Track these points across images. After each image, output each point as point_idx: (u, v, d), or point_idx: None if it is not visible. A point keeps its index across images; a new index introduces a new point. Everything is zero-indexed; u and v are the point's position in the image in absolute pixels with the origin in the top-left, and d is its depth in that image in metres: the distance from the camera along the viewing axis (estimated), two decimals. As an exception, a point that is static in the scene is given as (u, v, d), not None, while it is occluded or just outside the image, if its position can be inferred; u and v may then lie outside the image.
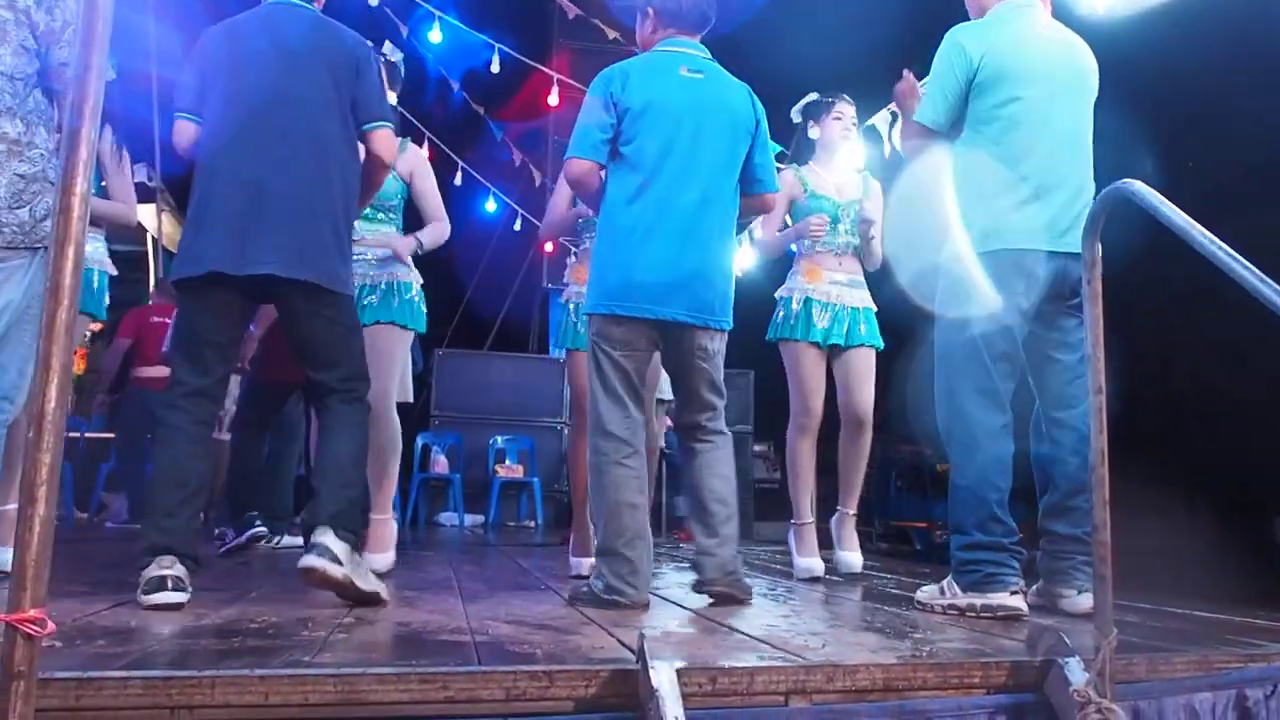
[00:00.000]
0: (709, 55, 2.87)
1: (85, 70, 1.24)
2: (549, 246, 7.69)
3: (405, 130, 3.71)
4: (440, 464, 7.71)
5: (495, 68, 7.40)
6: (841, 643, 2.06)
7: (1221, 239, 1.58)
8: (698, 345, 2.72)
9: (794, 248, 3.76)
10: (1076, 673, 1.74)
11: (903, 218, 3.81)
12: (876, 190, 3.88)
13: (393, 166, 2.72)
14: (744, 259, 6.18)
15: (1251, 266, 1.53)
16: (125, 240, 6.64)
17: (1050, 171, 2.71)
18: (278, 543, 4.39)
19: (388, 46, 3.59)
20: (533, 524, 7.81)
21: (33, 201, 2.52)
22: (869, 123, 4.91)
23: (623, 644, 1.93)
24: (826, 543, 3.80)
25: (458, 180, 9.08)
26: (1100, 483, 1.80)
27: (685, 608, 2.63)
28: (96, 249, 3.61)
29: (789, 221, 3.79)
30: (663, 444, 3.28)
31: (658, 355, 2.81)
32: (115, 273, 3.77)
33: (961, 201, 2.77)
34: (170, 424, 2.45)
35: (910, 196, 3.40)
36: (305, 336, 2.59)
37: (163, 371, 2.62)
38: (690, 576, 2.83)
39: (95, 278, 3.62)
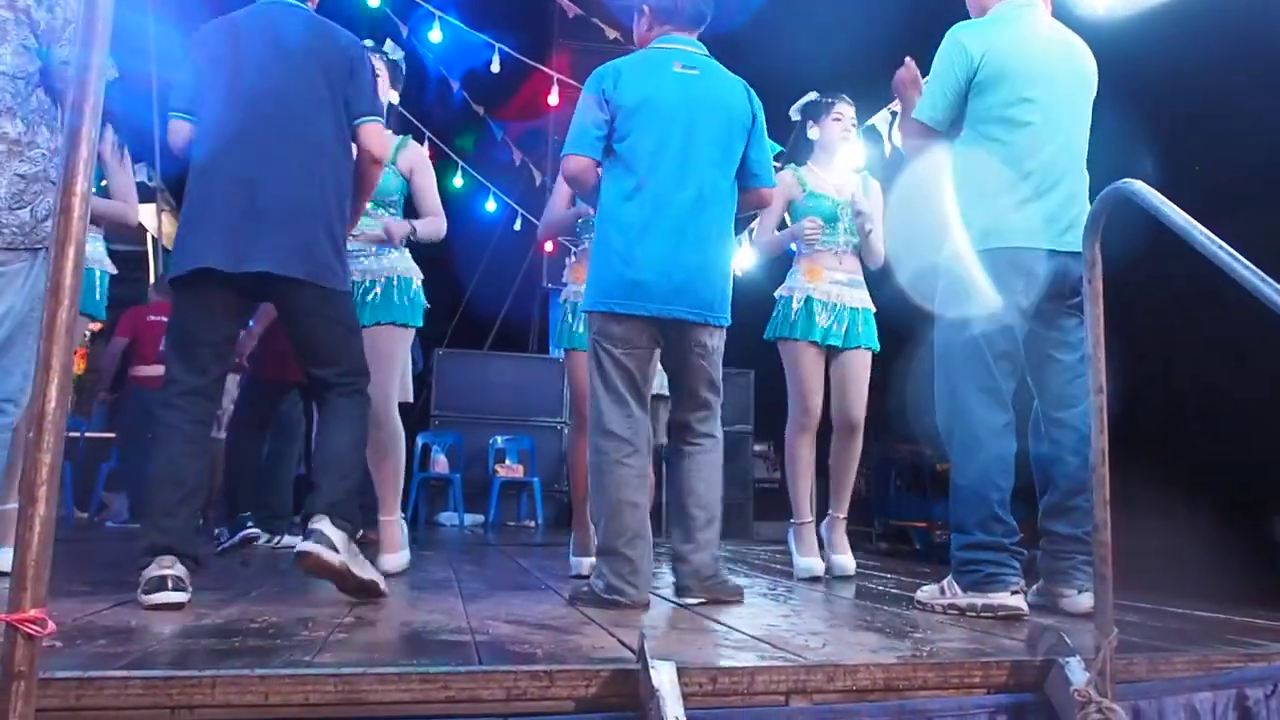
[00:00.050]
0: (706, 52, 2.87)
1: (85, 69, 1.24)
2: (549, 246, 7.68)
3: (405, 129, 3.70)
4: (440, 464, 7.70)
5: (495, 67, 7.40)
6: (842, 642, 2.06)
7: (1222, 239, 1.58)
8: (696, 342, 2.72)
9: (793, 246, 3.76)
10: (1077, 672, 1.74)
11: (903, 217, 3.81)
12: (876, 189, 3.87)
13: (384, 161, 2.71)
14: (744, 258, 6.18)
15: (1252, 266, 1.53)
16: (125, 240, 6.65)
17: (1051, 171, 2.71)
18: (278, 542, 4.40)
19: (389, 45, 3.58)
20: (533, 524, 7.81)
21: (34, 202, 2.51)
22: (869, 122, 4.90)
23: (623, 644, 1.93)
24: (820, 544, 3.80)
25: (458, 180, 9.08)
26: (1101, 482, 1.80)
27: (686, 607, 2.63)
28: (96, 248, 3.61)
29: (788, 221, 3.79)
30: (661, 441, 3.28)
31: (657, 353, 2.81)
32: (115, 272, 3.77)
33: (961, 200, 2.77)
34: (167, 423, 2.45)
35: (910, 196, 3.40)
36: (304, 334, 2.60)
37: (161, 370, 2.62)
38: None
39: (96, 277, 3.62)
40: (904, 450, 8.76)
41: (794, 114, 3.93)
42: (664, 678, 1.53)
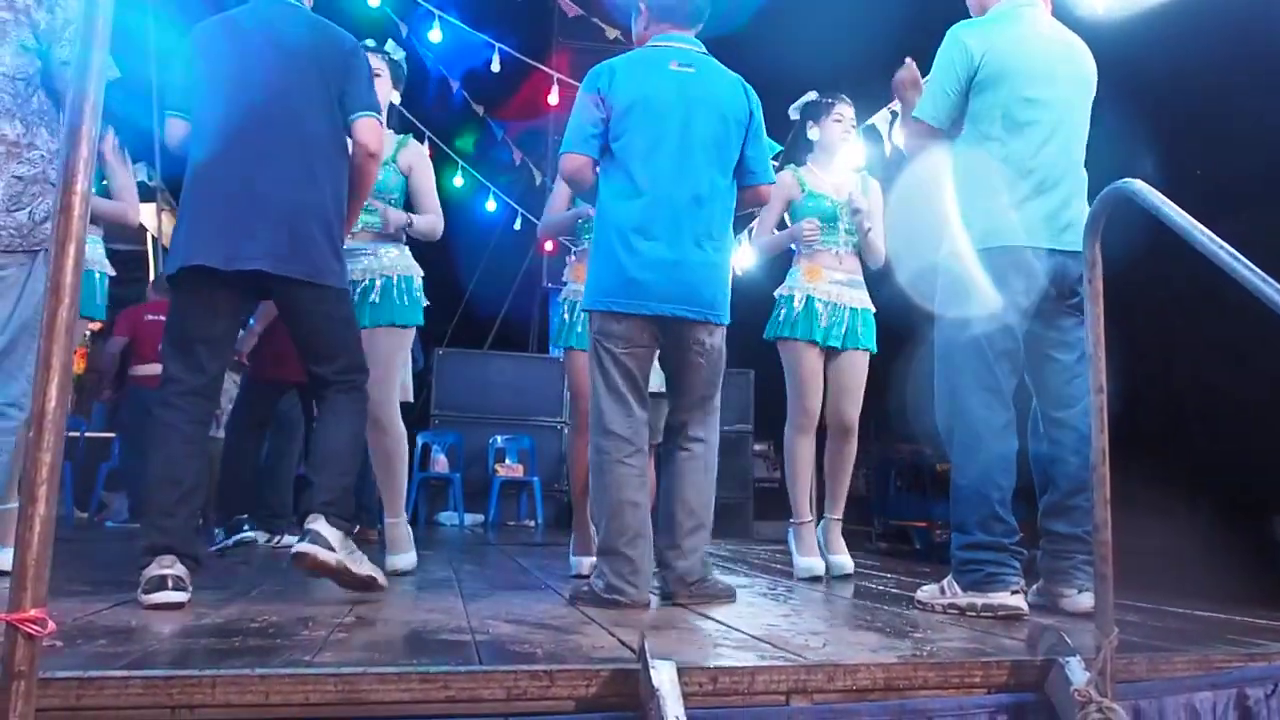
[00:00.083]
0: (703, 49, 2.87)
1: (85, 69, 1.24)
2: (549, 245, 7.69)
3: (406, 129, 3.70)
4: (440, 463, 7.70)
5: (495, 67, 7.40)
6: (842, 642, 2.06)
7: (1222, 239, 1.58)
8: (695, 340, 2.72)
9: (793, 246, 3.76)
10: (1077, 672, 1.74)
11: (903, 217, 3.81)
12: (876, 189, 3.87)
13: (380, 156, 2.70)
14: (744, 258, 6.18)
15: (1253, 266, 1.53)
16: (125, 240, 6.65)
17: (1051, 170, 2.71)
18: (278, 541, 4.40)
19: (390, 45, 3.58)
20: (533, 523, 7.81)
21: (32, 204, 2.50)
22: (869, 122, 4.90)
23: (623, 643, 1.93)
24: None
25: (458, 180, 9.08)
26: (1101, 482, 1.80)
27: (686, 607, 2.63)
28: (95, 250, 3.60)
29: (787, 221, 3.78)
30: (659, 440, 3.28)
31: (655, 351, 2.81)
32: (114, 273, 3.77)
33: (961, 200, 2.77)
34: (165, 422, 2.45)
35: (910, 195, 3.40)
36: (303, 331, 2.61)
37: (160, 369, 2.63)
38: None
39: (96, 280, 3.61)
40: (904, 450, 8.76)
41: (793, 113, 3.93)
42: (664, 677, 1.53)
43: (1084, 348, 2.69)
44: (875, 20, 5.62)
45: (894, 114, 4.91)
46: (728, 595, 2.74)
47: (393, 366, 3.32)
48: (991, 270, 2.66)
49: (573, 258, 3.62)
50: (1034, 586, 2.77)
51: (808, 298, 3.65)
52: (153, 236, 8.51)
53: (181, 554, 2.34)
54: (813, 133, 3.82)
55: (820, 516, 3.78)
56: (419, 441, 7.69)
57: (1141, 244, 2.55)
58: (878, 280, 3.88)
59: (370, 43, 3.50)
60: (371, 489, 4.61)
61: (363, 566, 2.51)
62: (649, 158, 2.71)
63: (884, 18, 5.50)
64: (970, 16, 2.94)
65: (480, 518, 7.63)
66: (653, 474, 3.19)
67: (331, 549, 2.41)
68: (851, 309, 3.69)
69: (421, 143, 3.63)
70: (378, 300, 3.29)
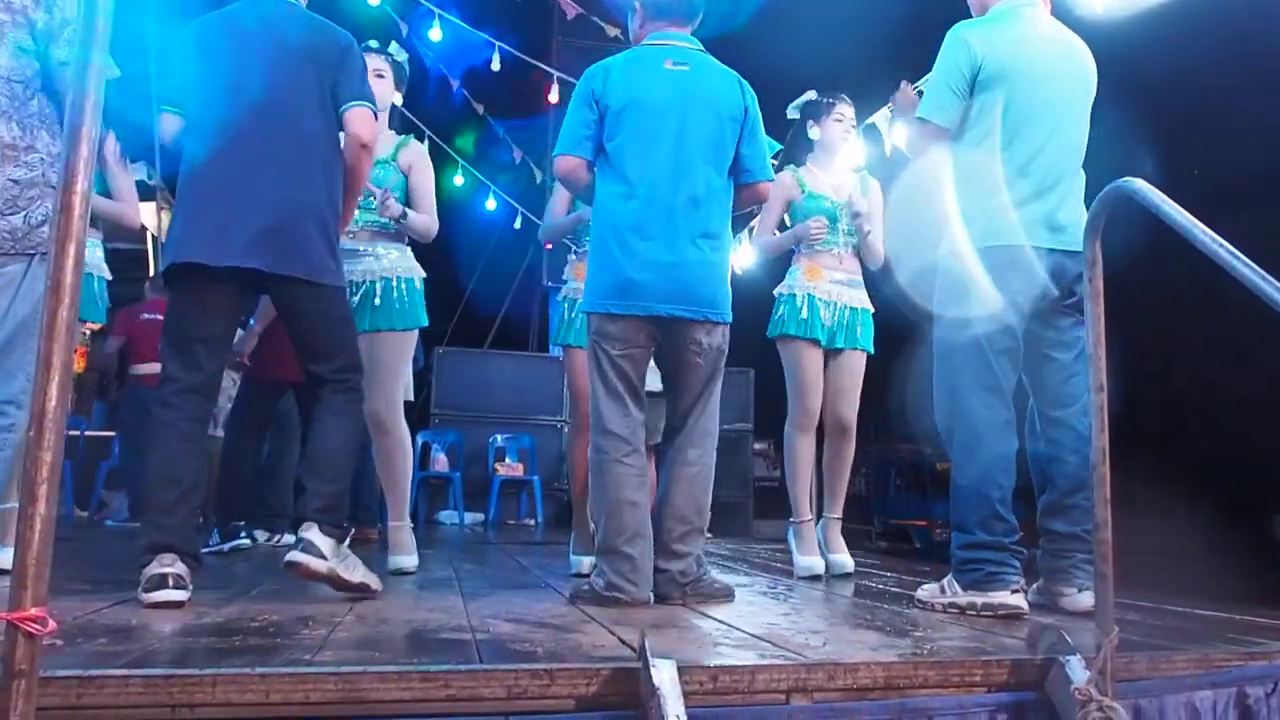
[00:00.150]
0: (700, 47, 2.87)
1: (85, 69, 1.24)
2: (549, 245, 7.69)
3: (406, 127, 3.69)
4: (440, 462, 7.70)
5: (495, 66, 7.40)
6: (842, 641, 2.06)
7: (1222, 238, 1.58)
8: (693, 339, 2.72)
9: (794, 245, 3.75)
10: (1078, 671, 1.74)
11: (903, 217, 3.81)
12: (876, 189, 3.87)
13: (372, 146, 2.68)
14: (743, 257, 6.18)
15: (1252, 264, 1.53)
16: (126, 239, 6.64)
17: (1050, 170, 2.71)
18: (278, 541, 4.40)
19: (393, 46, 3.58)
20: (532, 522, 7.81)
21: (28, 207, 2.48)
22: (868, 121, 4.90)
23: (624, 642, 1.93)
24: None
25: (458, 178, 9.08)
26: (1101, 481, 1.80)
27: (686, 605, 2.63)
28: (94, 253, 3.59)
29: (787, 222, 3.78)
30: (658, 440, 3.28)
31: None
32: (110, 278, 3.76)
33: (961, 199, 2.77)
34: (164, 421, 2.45)
35: (910, 195, 3.39)
36: (300, 329, 2.61)
37: (159, 368, 2.63)
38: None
39: (95, 283, 3.60)
40: (904, 449, 8.75)
41: (792, 112, 3.92)
42: (665, 676, 1.53)
43: (1081, 347, 2.71)
44: (875, 20, 5.62)
45: (903, 84, 4.91)
46: (726, 594, 2.74)
47: (396, 371, 3.32)
48: (990, 269, 2.66)
49: (573, 256, 3.62)
50: (1034, 585, 2.77)
51: (808, 297, 3.66)
52: (153, 235, 8.51)
53: (182, 552, 2.34)
54: (813, 132, 3.82)
55: (820, 516, 3.78)
56: (419, 440, 7.68)
57: (1141, 243, 2.55)
58: (877, 280, 3.88)
59: (374, 44, 3.50)
60: (371, 488, 4.62)
61: (355, 573, 2.51)
62: (644, 157, 2.71)
63: (883, 17, 5.50)
64: (970, 16, 2.94)
65: (480, 517, 7.64)
66: (653, 473, 3.18)
67: (323, 557, 2.42)
68: (851, 309, 3.70)
69: (422, 142, 3.62)
70: (379, 304, 3.28)
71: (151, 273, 8.47)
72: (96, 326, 4.83)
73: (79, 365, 7.38)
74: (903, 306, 3.71)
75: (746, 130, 2.83)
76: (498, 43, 7.36)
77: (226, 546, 4.02)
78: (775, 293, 3.78)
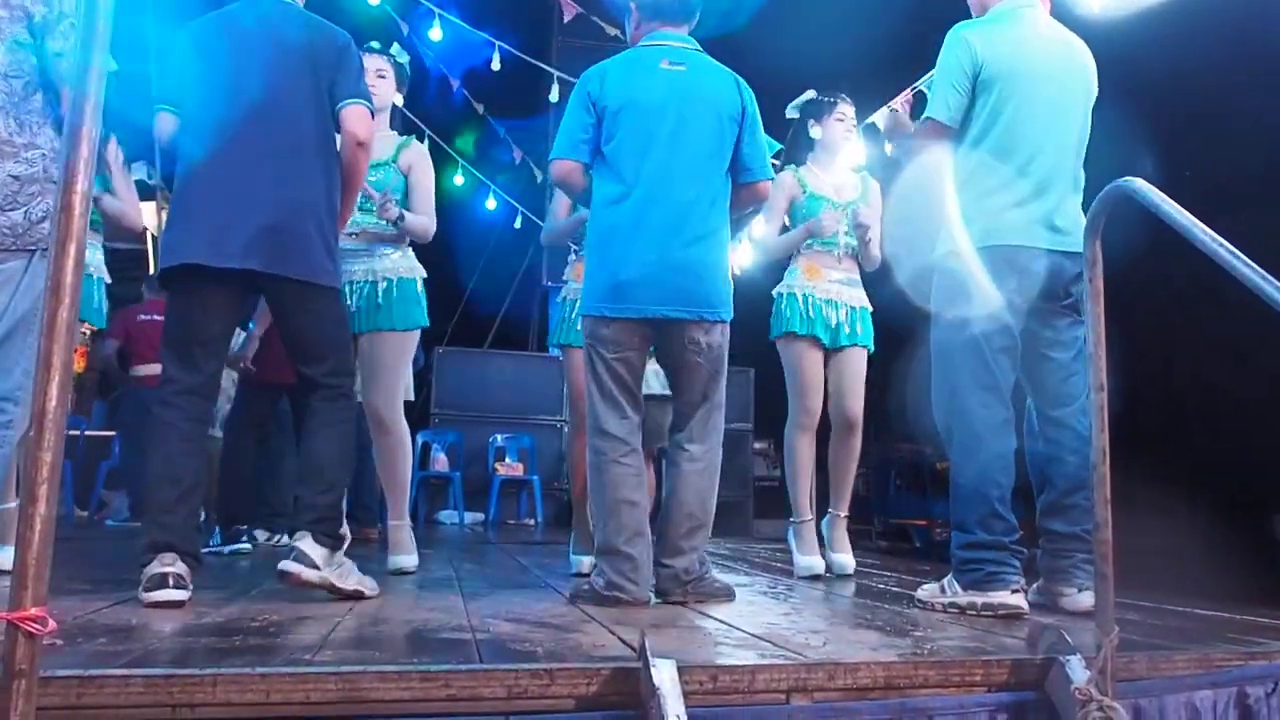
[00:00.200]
0: (696, 46, 2.86)
1: (85, 69, 1.24)
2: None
3: (406, 127, 3.69)
4: (440, 462, 7.71)
5: (495, 65, 7.40)
6: (842, 641, 2.06)
7: (1222, 238, 1.58)
8: (691, 340, 2.72)
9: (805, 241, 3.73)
10: (1078, 671, 1.74)
11: (902, 217, 3.81)
12: (875, 190, 3.87)
13: (368, 144, 2.67)
14: (742, 257, 6.18)
15: (1252, 264, 1.53)
16: (126, 238, 6.64)
17: (1048, 171, 2.71)
18: (279, 541, 4.40)
19: (395, 48, 3.58)
20: (532, 522, 7.81)
21: (28, 203, 2.47)
22: (869, 120, 4.90)
23: (624, 642, 1.93)
24: (821, 542, 3.80)
25: (458, 178, 9.08)
26: (1102, 481, 1.80)
27: (686, 605, 2.63)
28: (94, 255, 3.59)
29: (788, 223, 3.78)
30: (664, 443, 3.28)
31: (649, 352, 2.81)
32: (110, 280, 3.76)
33: (961, 199, 2.77)
34: (163, 421, 2.45)
35: (910, 195, 3.39)
36: (293, 330, 2.60)
37: (158, 369, 2.63)
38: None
39: (95, 285, 3.60)
40: (904, 449, 8.76)
41: (791, 112, 3.92)
42: (665, 676, 1.53)
43: (1080, 346, 2.71)
44: (875, 20, 5.62)
45: (894, 111, 4.91)
46: (726, 594, 2.74)
47: (396, 370, 3.32)
48: (989, 269, 2.66)
49: (573, 256, 3.62)
50: (1034, 585, 2.77)
51: (808, 296, 3.66)
52: (152, 235, 8.51)
53: (182, 552, 2.34)
54: (814, 131, 3.81)
55: (823, 513, 3.78)
56: (419, 440, 7.69)
57: (1141, 243, 2.55)
58: (877, 280, 3.88)
59: (376, 44, 3.50)
60: (371, 488, 4.61)
61: (349, 580, 2.52)
62: (640, 159, 2.71)
63: (884, 17, 5.50)
64: (970, 16, 2.94)
65: (480, 516, 7.64)
66: (652, 476, 3.19)
67: (315, 567, 2.43)
68: (850, 308, 3.70)
69: (422, 142, 3.62)
70: (380, 303, 3.28)
71: (151, 271, 8.48)
72: (95, 328, 4.83)
73: (79, 365, 7.39)
74: (902, 306, 3.71)
75: (745, 129, 2.82)
76: (498, 42, 7.35)
77: (227, 549, 4.02)
78: (774, 293, 3.78)
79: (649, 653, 1.57)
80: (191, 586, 2.33)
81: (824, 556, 3.69)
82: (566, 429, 7.66)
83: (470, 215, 9.70)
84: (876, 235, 3.74)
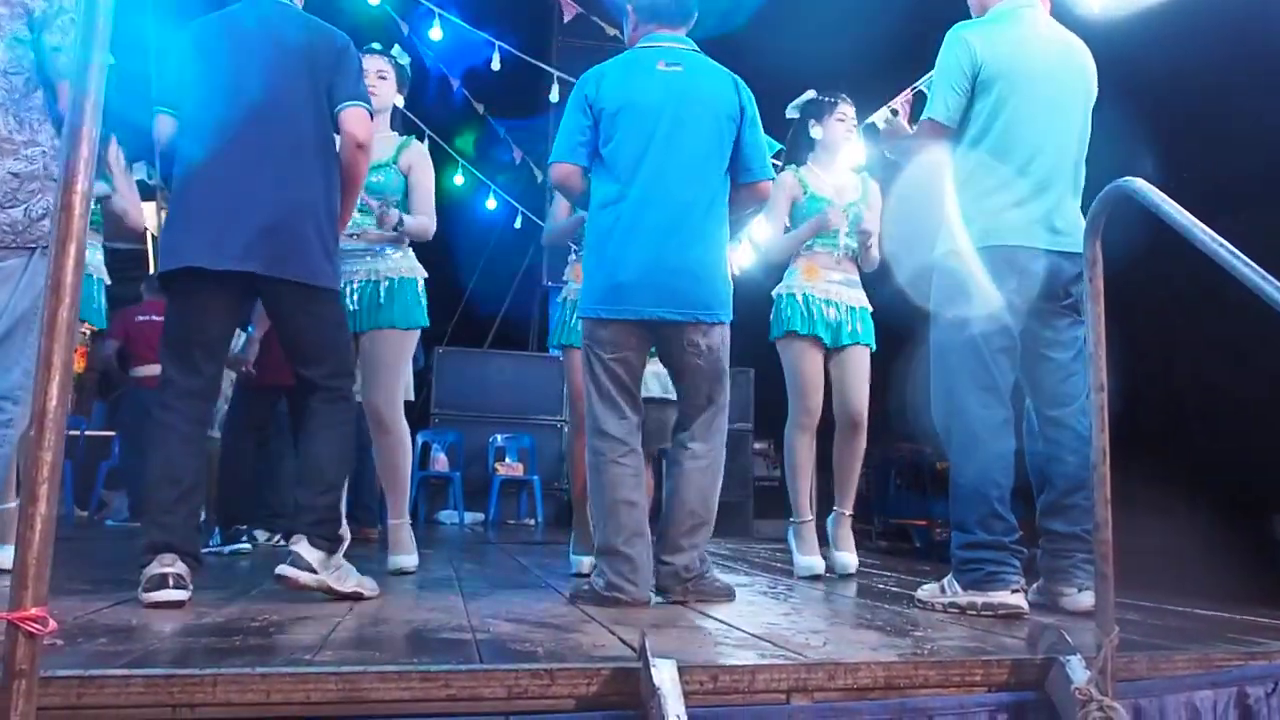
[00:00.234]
0: (693, 47, 2.86)
1: (85, 69, 1.23)
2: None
3: (406, 127, 3.69)
4: (440, 462, 7.71)
5: (496, 65, 7.40)
6: (842, 641, 2.06)
7: (1222, 238, 1.58)
8: (689, 342, 2.71)
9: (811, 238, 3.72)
10: (1078, 671, 1.74)
11: (902, 217, 3.81)
12: (875, 190, 3.87)
13: (367, 146, 2.67)
14: (742, 257, 6.18)
15: (1252, 264, 1.53)
16: (126, 238, 6.65)
17: (1048, 170, 2.71)
18: (279, 541, 4.40)
19: (396, 49, 3.58)
20: (532, 522, 7.81)
21: (28, 200, 2.46)
22: (869, 120, 4.91)
23: (624, 642, 1.93)
24: (827, 540, 3.80)
25: (458, 178, 9.08)
26: (1102, 481, 1.80)
27: (686, 605, 2.63)
28: (94, 255, 3.59)
29: (789, 224, 3.77)
30: (667, 445, 3.28)
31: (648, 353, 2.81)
32: (110, 281, 3.76)
33: (961, 199, 2.77)
34: (163, 423, 2.45)
35: (909, 195, 3.39)
36: (291, 332, 2.59)
37: (158, 369, 2.62)
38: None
39: (95, 286, 3.60)
40: (904, 449, 8.77)
41: (792, 112, 3.92)
42: (665, 676, 1.53)
43: (1079, 346, 2.71)
44: (875, 20, 5.62)
45: (894, 112, 4.91)
46: (726, 594, 2.74)
47: (397, 369, 3.32)
48: (988, 269, 2.66)
49: (573, 257, 3.63)
50: (1034, 585, 2.77)
51: (807, 296, 3.66)
52: (152, 235, 8.51)
53: (182, 552, 2.34)
54: (815, 132, 3.81)
55: (827, 511, 3.78)
56: (419, 440, 7.69)
57: (1141, 243, 2.55)
58: (877, 280, 3.88)
59: (377, 46, 3.51)
60: (371, 488, 4.61)
61: (346, 583, 2.51)
62: (636, 160, 2.71)
63: (883, 17, 5.50)
64: (970, 16, 2.94)
65: (480, 516, 7.64)
66: (650, 478, 3.18)
67: (312, 571, 2.43)
68: (849, 307, 3.70)
69: (422, 142, 3.62)
70: (382, 302, 3.29)
71: (151, 271, 8.48)
72: (95, 329, 4.83)
73: (79, 365, 7.39)
74: (902, 306, 3.71)
75: (744, 129, 2.81)
76: (498, 42, 7.35)
77: (227, 549, 4.03)
78: (773, 294, 3.78)
79: (649, 653, 1.57)
80: (191, 587, 2.33)
81: (827, 555, 3.69)
82: (566, 429, 7.66)
83: (470, 215, 9.70)
84: (876, 243, 3.75)
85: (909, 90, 5.00)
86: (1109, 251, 1.89)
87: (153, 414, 2.49)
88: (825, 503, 3.80)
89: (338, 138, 2.65)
